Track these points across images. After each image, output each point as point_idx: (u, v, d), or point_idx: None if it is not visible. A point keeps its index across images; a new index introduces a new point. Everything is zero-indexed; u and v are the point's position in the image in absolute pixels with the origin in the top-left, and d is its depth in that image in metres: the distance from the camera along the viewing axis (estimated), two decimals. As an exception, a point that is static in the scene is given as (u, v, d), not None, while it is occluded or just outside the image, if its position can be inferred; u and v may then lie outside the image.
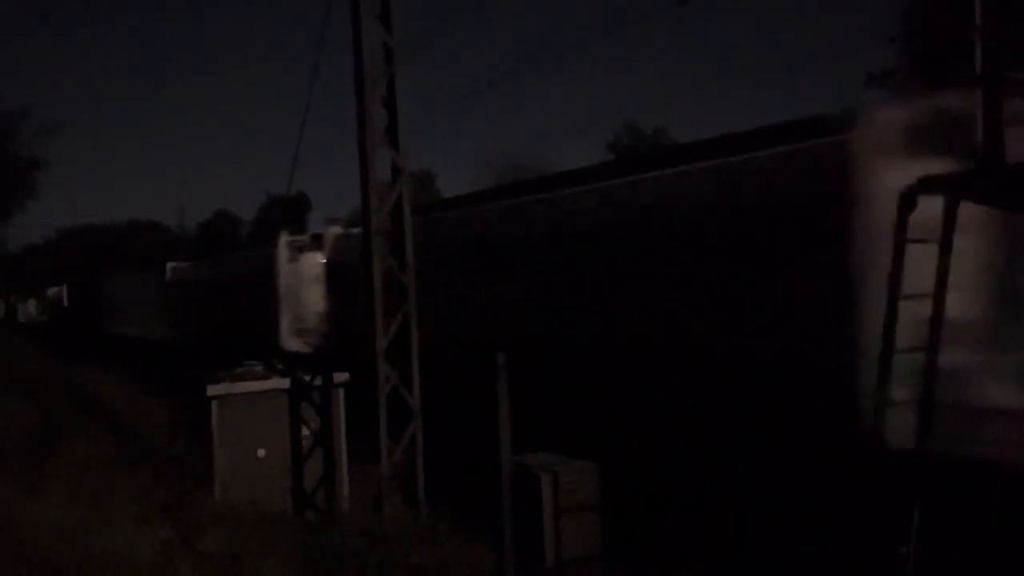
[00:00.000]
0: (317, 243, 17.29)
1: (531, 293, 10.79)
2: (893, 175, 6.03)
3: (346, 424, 9.63)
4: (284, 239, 17.70)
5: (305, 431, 9.50)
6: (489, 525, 7.13)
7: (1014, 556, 5.84)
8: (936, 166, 5.76)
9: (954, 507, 5.97)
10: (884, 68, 28.65)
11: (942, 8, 20.33)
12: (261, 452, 9.27)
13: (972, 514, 6.07)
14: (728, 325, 8.04)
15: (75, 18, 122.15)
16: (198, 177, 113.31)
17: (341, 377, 9.68)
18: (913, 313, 5.33)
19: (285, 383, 9.49)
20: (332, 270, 16.52)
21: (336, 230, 18.01)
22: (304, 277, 17.10)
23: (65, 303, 49.87)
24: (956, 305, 5.72)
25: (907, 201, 5.32)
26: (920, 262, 5.22)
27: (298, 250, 17.47)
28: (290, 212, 51.91)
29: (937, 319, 5.33)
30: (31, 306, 71.77)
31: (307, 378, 9.58)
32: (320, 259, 16.97)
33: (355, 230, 14.79)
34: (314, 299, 16.95)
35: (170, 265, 27.40)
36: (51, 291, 58.75)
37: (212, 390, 9.15)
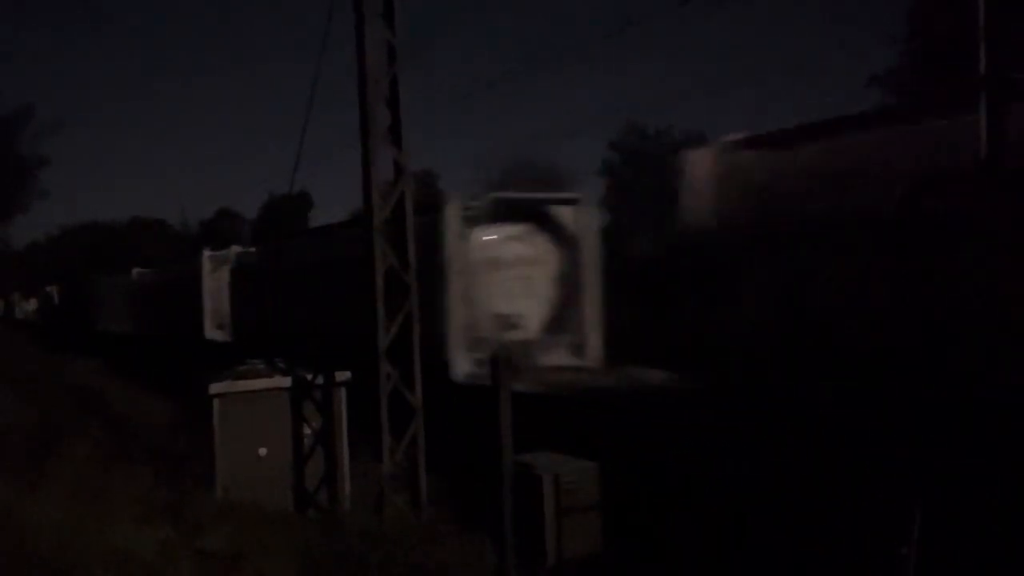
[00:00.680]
0: (226, 258, 22.35)
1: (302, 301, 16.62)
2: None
3: (347, 423, 9.62)
4: (206, 254, 22.95)
5: (307, 430, 9.50)
6: (491, 525, 7.14)
7: (1014, 556, 5.83)
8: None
9: (955, 507, 5.97)
10: (886, 69, 28.65)
11: (945, 9, 20.31)
12: (262, 451, 9.27)
13: (973, 514, 6.07)
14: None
15: (76, 17, 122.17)
16: (201, 175, 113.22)
17: (343, 376, 9.68)
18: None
19: (287, 382, 9.49)
20: (235, 278, 21.40)
21: (238, 249, 23.04)
22: (220, 284, 21.93)
23: (56, 301, 55.43)
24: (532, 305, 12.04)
25: (913, 202, 5.33)
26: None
27: (216, 262, 22.38)
28: (292, 211, 51.93)
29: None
30: (30, 304, 72.62)
31: (309, 377, 9.58)
32: (227, 269, 21.89)
33: (252, 248, 22.39)
34: (225, 299, 21.78)
35: (135, 271, 33.28)
36: (48, 289, 62.02)
37: (214, 388, 9.15)
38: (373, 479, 9.13)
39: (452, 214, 11.81)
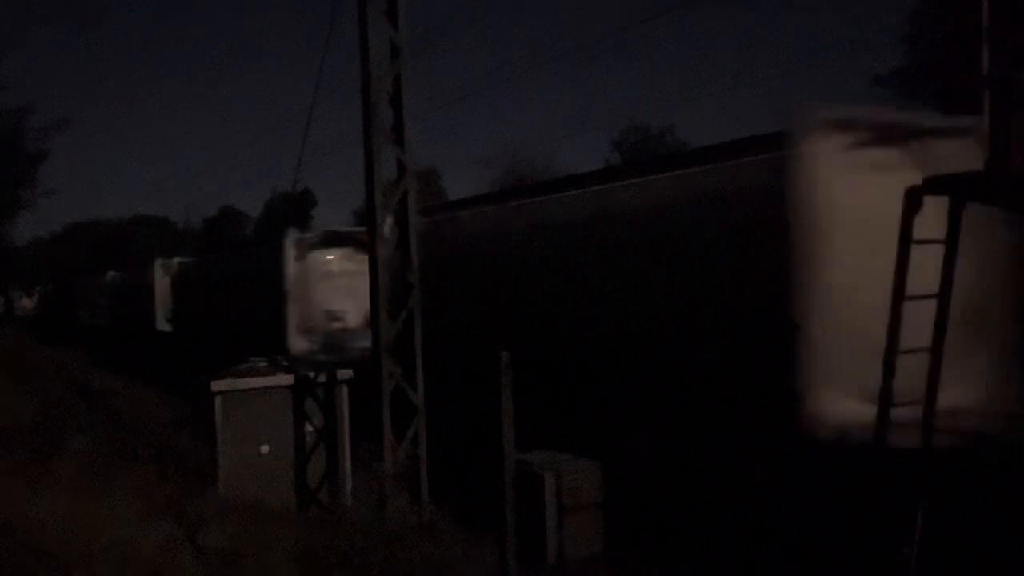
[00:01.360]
0: (169, 267, 28.05)
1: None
2: None
3: (350, 421, 9.63)
4: (157, 262, 28.50)
5: (309, 427, 9.51)
6: (493, 523, 7.14)
7: (1015, 556, 5.83)
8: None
9: (957, 508, 5.96)
10: (891, 69, 28.60)
11: (950, 9, 20.28)
12: (265, 448, 9.28)
13: (974, 514, 6.06)
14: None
15: (81, 14, 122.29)
16: (205, 173, 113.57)
17: (345, 374, 9.69)
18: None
19: (289, 379, 9.50)
20: (175, 283, 27.46)
21: (178, 260, 28.53)
22: (166, 286, 27.92)
23: (47, 297, 62.50)
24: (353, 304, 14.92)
25: (913, 201, 5.30)
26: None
27: (165, 269, 28.08)
28: (295, 209, 51.94)
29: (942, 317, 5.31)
30: (29, 301, 73.37)
31: (311, 374, 9.59)
32: (171, 273, 27.92)
33: (191, 259, 28.49)
34: (170, 299, 27.81)
35: (110, 273, 38.86)
36: (43, 287, 66.48)
37: (215, 386, 9.16)
38: (375, 477, 9.14)
39: (289, 244, 17.15)
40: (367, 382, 9.31)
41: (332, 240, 17.36)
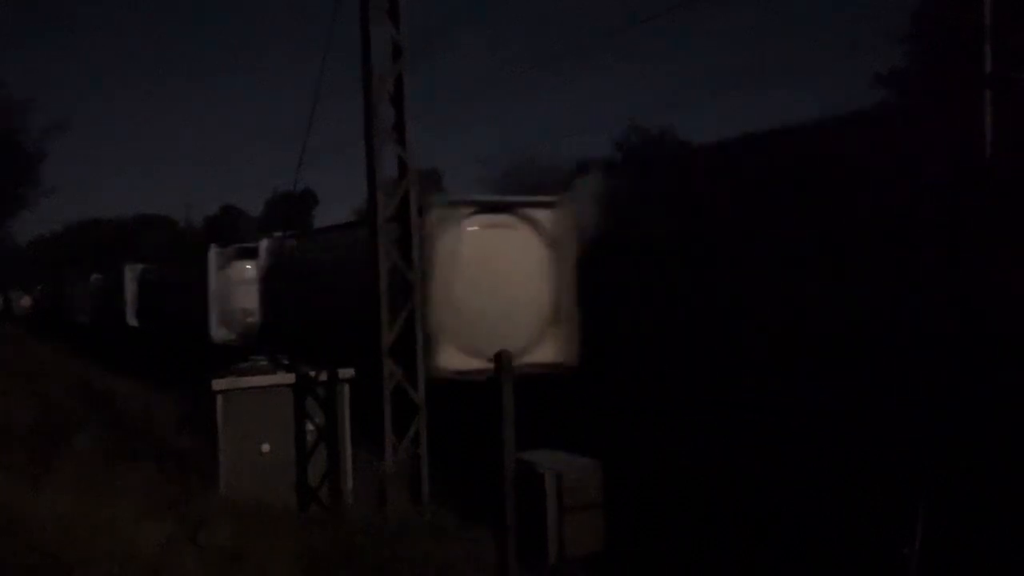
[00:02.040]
0: (135, 272, 33.36)
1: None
2: None
3: (351, 420, 9.64)
4: (127, 267, 33.72)
5: (309, 426, 9.52)
6: (493, 522, 7.13)
7: (1015, 556, 5.83)
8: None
9: (958, 508, 5.96)
10: (892, 68, 28.58)
11: (952, 9, 20.28)
12: (266, 447, 9.28)
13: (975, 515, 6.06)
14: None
15: (83, 12, 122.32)
16: (207, 172, 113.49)
17: (347, 373, 9.69)
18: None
19: (290, 378, 9.50)
20: (140, 286, 32.80)
21: (140, 267, 33.53)
22: (134, 288, 33.13)
23: (43, 297, 67.59)
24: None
25: (915, 201, 5.31)
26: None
27: (132, 272, 33.24)
28: (296, 208, 51.95)
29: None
30: (26, 300, 73.84)
31: (312, 373, 9.59)
32: (136, 276, 33.38)
33: (151, 265, 33.73)
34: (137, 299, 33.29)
35: (93, 276, 43.49)
36: (39, 287, 69.68)
37: (217, 385, 9.17)
38: (375, 476, 9.15)
39: (212, 255, 22.03)
40: (368, 381, 9.32)
41: (244, 253, 21.74)
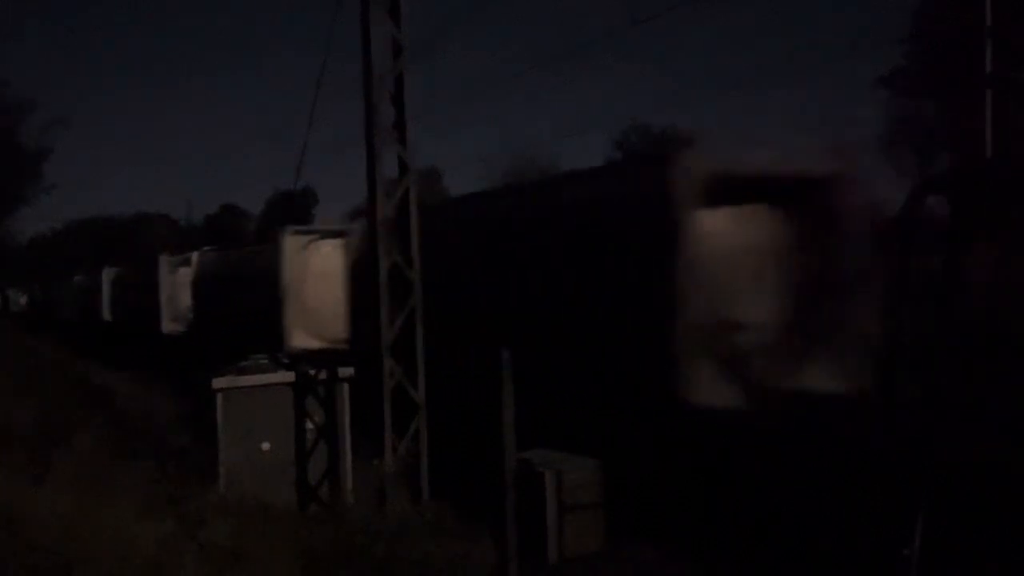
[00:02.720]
0: (111, 274, 37.62)
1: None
2: None
3: (350, 418, 9.64)
4: (105, 270, 38.31)
5: (309, 425, 9.52)
6: (493, 521, 7.14)
7: (1015, 556, 5.83)
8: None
9: (958, 508, 5.96)
10: (891, 68, 28.57)
11: (952, 9, 20.28)
12: (265, 446, 9.29)
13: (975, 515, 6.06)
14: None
15: (85, 10, 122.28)
16: (207, 171, 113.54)
17: (346, 371, 9.69)
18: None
19: (290, 377, 9.50)
20: (113, 285, 37.25)
21: (116, 270, 38.00)
22: (109, 288, 37.49)
23: (38, 296, 70.52)
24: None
25: (917, 201, 5.30)
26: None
27: (109, 275, 37.67)
28: (296, 206, 51.97)
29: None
30: (23, 299, 74.59)
31: (312, 372, 9.59)
32: (110, 278, 37.76)
33: (122, 268, 37.73)
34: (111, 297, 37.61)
35: (76, 277, 48.67)
36: (35, 286, 70.97)
37: (217, 383, 9.17)
38: (375, 474, 9.14)
39: (164, 261, 27.34)
40: (368, 380, 9.32)
41: (185, 262, 26.38)
